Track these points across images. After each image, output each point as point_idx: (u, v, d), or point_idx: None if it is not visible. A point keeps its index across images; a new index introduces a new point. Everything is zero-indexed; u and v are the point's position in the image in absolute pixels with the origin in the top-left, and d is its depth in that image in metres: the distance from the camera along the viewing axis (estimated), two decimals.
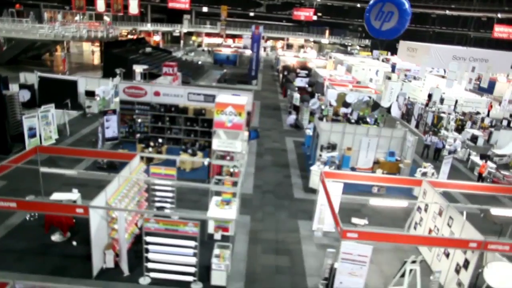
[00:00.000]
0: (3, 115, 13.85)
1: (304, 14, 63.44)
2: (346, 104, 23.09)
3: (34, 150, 10.49)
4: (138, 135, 16.05)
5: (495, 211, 10.05)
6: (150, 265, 8.42)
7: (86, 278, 8.32)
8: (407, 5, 13.88)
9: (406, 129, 16.58)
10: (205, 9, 54.65)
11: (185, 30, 59.37)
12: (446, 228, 9.41)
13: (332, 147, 15.98)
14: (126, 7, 43.75)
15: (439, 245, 8.50)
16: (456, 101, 29.48)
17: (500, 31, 57.75)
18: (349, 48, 67.06)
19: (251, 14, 66.33)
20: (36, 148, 10.63)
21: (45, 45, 32.62)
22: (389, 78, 33.86)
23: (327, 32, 71.29)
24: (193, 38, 61.39)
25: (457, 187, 11.12)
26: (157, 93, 16.27)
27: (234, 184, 10.59)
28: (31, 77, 20.10)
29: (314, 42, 70.43)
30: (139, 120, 16.53)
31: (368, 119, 21.54)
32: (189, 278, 8.49)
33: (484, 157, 17.00)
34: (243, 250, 10.05)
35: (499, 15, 57.60)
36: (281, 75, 34.20)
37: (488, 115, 28.31)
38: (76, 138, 16.72)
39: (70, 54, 39.88)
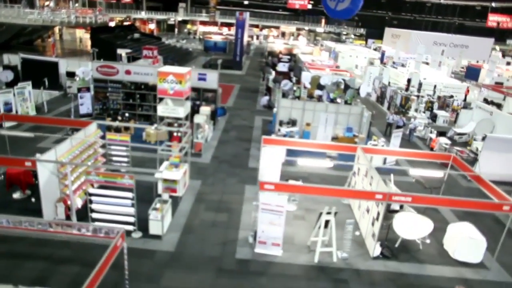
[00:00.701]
0: None
1: (298, 2, 63.59)
2: (320, 87, 23.90)
3: (0, 117, 11.51)
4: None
5: (413, 171, 10.94)
6: (94, 215, 9.43)
7: None
8: None
9: (363, 106, 17.37)
10: None
11: (179, 18, 60.00)
12: (369, 187, 10.32)
13: (292, 122, 16.90)
14: None
15: (349, 197, 9.43)
16: (435, 86, 30.09)
17: (494, 20, 57.81)
18: (343, 37, 67.33)
19: (246, 2, 66.68)
20: (2, 115, 11.64)
21: (37, 30, 33.59)
22: (372, 63, 34.51)
23: (323, 21, 71.45)
24: (188, 26, 62.00)
25: (386, 153, 11.98)
26: (128, 72, 17.17)
27: (183, 150, 11.54)
28: (15, 59, 21.07)
29: (309, 31, 70.68)
30: (112, 98, 17.50)
31: (338, 100, 22.34)
32: (130, 228, 9.50)
33: (440, 134, 17.79)
34: (187, 208, 11.04)
35: (493, 4, 57.60)
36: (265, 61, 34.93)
37: (465, 99, 28.95)
38: (53, 114, 17.72)
39: (63, 40, 40.86)
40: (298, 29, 70.58)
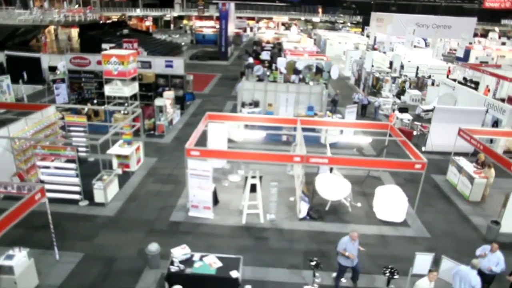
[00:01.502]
0: None
1: None
2: (297, 72, 24.46)
3: None
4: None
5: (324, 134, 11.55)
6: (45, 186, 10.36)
7: None
8: None
9: (323, 85, 17.95)
10: None
11: (175, 14, 60.92)
12: None
13: (255, 103, 17.61)
14: None
15: (268, 160, 10.12)
16: (417, 68, 30.28)
17: (491, 0, 56.99)
18: (340, 26, 67.25)
19: None
20: None
21: (30, 31, 34.92)
22: (357, 48, 34.81)
23: (319, 10, 71.42)
24: (184, 21, 62.86)
25: (326, 124, 12.59)
26: (99, 62, 18.01)
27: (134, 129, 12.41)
28: (0, 56, 22.25)
29: (306, 21, 70.79)
30: (86, 87, 18.49)
31: (311, 83, 22.91)
32: (77, 197, 10.42)
33: (402, 110, 18.24)
34: (137, 180, 11.93)
35: None
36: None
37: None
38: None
39: (58, 40, 42.24)
40: (294, 20, 70.74)
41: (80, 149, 12.88)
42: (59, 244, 8.42)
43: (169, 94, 16.42)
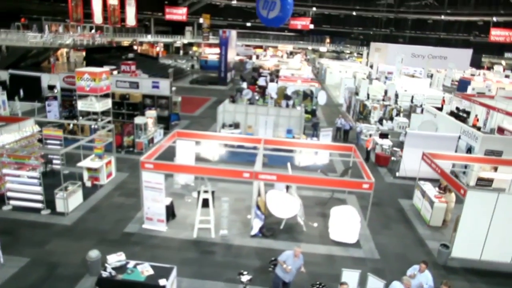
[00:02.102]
0: None
1: (300, 23, 65.71)
2: (287, 97, 25.04)
3: None
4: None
5: (298, 156, 11.79)
6: (9, 193, 10.84)
7: None
8: None
9: (302, 109, 18.33)
10: (201, 20, 58.20)
11: (185, 41, 63.19)
12: None
13: (235, 125, 18.05)
14: (124, 20, 48.04)
15: (220, 175, 10.37)
16: (412, 97, 30.52)
17: (497, 35, 57.36)
18: (347, 56, 68.42)
19: (248, 24, 69.47)
20: None
21: (42, 53, 36.76)
22: (354, 77, 35.38)
23: (327, 40, 73.02)
24: (194, 48, 65.05)
25: (288, 145, 12.84)
26: None
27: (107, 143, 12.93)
28: (4, 74, 23.56)
29: (313, 50, 72.32)
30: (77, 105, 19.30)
31: (298, 108, 23.36)
32: (39, 205, 10.83)
33: (383, 136, 18.35)
34: (103, 193, 12.30)
35: (494, 19, 57.28)
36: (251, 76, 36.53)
37: (441, 109, 29.20)
38: None
39: (69, 62, 44.26)
40: (302, 49, 72.38)
41: (55, 161, 13.53)
42: (9, 250, 8.77)
43: (151, 113, 17.03)
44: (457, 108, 27.61)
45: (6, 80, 23.37)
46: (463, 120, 26.02)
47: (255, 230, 10.32)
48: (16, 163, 10.53)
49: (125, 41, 55.07)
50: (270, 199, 10.37)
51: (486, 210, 9.49)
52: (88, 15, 42.87)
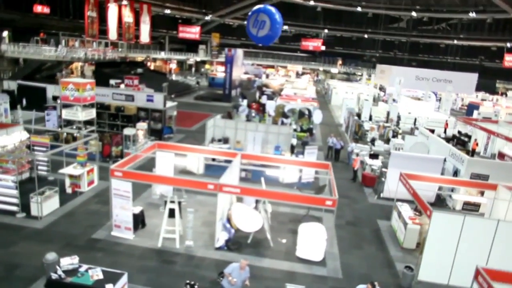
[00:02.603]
0: None
1: (312, 44, 66.53)
2: (285, 115, 25.23)
3: None
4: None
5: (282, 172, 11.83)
6: None
7: None
8: (277, 15, 16.20)
9: (291, 127, 18.42)
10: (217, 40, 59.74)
11: (198, 59, 64.66)
12: None
13: (224, 140, 18.25)
14: (138, 37, 49.71)
15: (185, 186, 10.50)
16: (415, 119, 30.27)
17: (511, 60, 56.65)
18: (358, 78, 68.54)
19: (260, 44, 70.56)
20: None
21: (56, 66, 38.28)
22: (358, 98, 35.41)
23: (339, 62, 73.40)
24: (207, 66, 66.45)
25: (264, 160, 12.90)
26: None
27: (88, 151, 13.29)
28: (13, 85, 24.61)
29: (324, 71, 72.76)
30: None
31: (294, 126, 23.51)
32: (14, 208, 11.14)
33: (372, 156, 18.20)
34: (81, 200, 12.56)
35: (508, 45, 56.67)
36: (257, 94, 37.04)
37: (445, 132, 28.83)
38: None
39: (84, 75, 45.82)
40: (313, 70, 73.00)
41: (40, 167, 13.94)
42: None
43: (142, 125, 17.45)
44: (459, 132, 27.16)
45: (14, 90, 24.39)
46: (463, 144, 25.60)
47: (220, 243, 10.32)
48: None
49: (139, 57, 56.81)
50: (235, 212, 10.40)
51: (452, 232, 9.28)
52: (103, 31, 44.58)
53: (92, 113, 13.42)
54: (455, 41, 61.41)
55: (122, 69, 37.34)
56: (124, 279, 7.88)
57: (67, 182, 13.06)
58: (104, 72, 33.23)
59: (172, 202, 10.29)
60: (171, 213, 10.36)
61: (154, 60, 59.89)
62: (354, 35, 67.39)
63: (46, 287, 7.59)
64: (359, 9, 56.44)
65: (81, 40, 45.69)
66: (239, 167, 12.77)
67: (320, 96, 48.88)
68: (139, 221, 10.94)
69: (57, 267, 7.80)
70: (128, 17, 46.74)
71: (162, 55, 59.45)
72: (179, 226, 10.47)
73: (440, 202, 14.89)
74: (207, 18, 59.92)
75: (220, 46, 59.91)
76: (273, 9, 16.20)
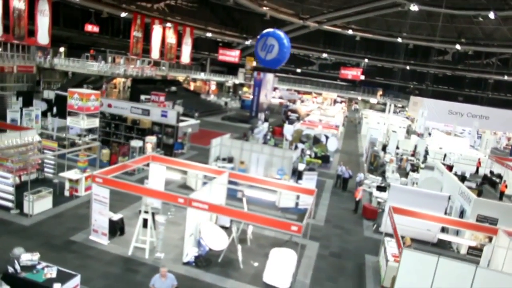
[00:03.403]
0: None
1: (351, 73, 66.02)
2: (302, 141, 25.04)
3: None
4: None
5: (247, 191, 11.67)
6: None
7: None
8: (285, 40, 16.51)
9: (294, 151, 18.19)
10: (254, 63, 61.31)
11: (237, 81, 66.40)
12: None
13: (229, 159, 18.41)
14: (179, 57, 52.28)
15: (158, 197, 10.64)
16: (445, 155, 28.73)
17: None
18: (398, 109, 66.67)
19: (298, 70, 71.41)
20: None
21: (98, 80, 41.17)
22: (392, 131, 34.47)
23: (379, 92, 71.93)
24: (244, 89, 67.93)
25: (252, 180, 12.79)
26: (109, 105, 20.85)
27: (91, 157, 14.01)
28: (52, 94, 26.74)
29: (363, 100, 71.50)
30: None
31: (308, 152, 23.23)
32: (10, 204, 11.92)
33: (380, 189, 17.42)
34: (75, 203, 13.17)
35: None
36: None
37: (477, 171, 27.03)
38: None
39: (125, 89, 48.76)
40: (350, 99, 72.11)
41: (47, 170, 14.89)
42: None
43: (151, 138, 18.12)
44: (491, 172, 25.30)
45: (52, 99, 26.47)
46: (494, 185, 23.75)
47: (188, 258, 10.30)
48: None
49: (180, 77, 59.48)
50: (203, 230, 10.38)
51: (425, 274, 8.58)
52: (147, 50, 47.40)
53: (94, 122, 14.24)
54: (506, 77, 58.00)
55: (157, 86, 39.30)
56: (75, 280, 8.08)
57: (67, 185, 13.79)
58: (139, 88, 35.13)
59: (146, 212, 10.50)
60: (145, 224, 10.56)
61: (194, 80, 62.35)
62: (396, 66, 65.94)
63: (2, 279, 7.98)
64: (399, 40, 55.37)
65: (126, 57, 48.90)
66: (226, 185, 12.77)
67: (353, 126, 47.98)
68: (117, 228, 11.24)
69: (15, 261, 8.19)
70: (171, 38, 49.48)
71: (202, 76, 61.79)
72: (152, 237, 10.61)
73: (443, 244, 13.83)
74: (247, 42, 61.71)
75: (255, 70, 61.25)
76: (281, 34, 16.61)
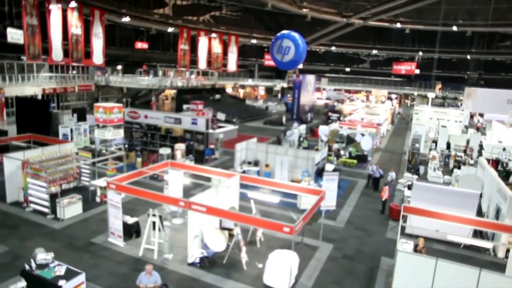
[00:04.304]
0: (49, 124, 22.08)
1: (405, 68, 62.58)
2: (350, 141, 24.29)
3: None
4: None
5: (250, 194, 11.68)
6: (30, 198, 13.67)
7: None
8: (300, 41, 16.31)
9: (322, 151, 17.82)
10: (299, 66, 60.98)
11: (285, 85, 66.46)
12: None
13: (255, 163, 18.61)
14: (226, 65, 53.88)
15: (160, 200, 11.12)
16: (504, 149, 26.05)
17: None
18: (459, 103, 61.60)
19: (347, 69, 69.32)
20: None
21: (149, 93, 44.00)
22: (442, 126, 32.12)
23: (438, 86, 67.18)
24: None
25: (256, 182, 12.81)
26: (146, 116, 22.21)
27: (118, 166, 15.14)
28: None
29: (419, 95, 67.24)
30: (135, 135, 22.72)
31: (342, 152, 22.59)
32: (46, 210, 13.33)
33: (411, 187, 16.37)
34: (103, 209, 14.19)
35: None
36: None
37: None
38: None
39: (174, 101, 51.44)
40: (406, 95, 68.19)
41: (84, 178, 16.34)
42: (1, 239, 11.17)
43: (180, 145, 18.99)
44: None
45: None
46: None
47: (192, 258, 10.67)
48: (33, 174, 13.34)
49: (228, 84, 61.17)
50: (204, 232, 10.68)
51: (423, 278, 7.99)
52: (195, 61, 49.54)
53: (119, 133, 15.35)
54: None
55: (202, 95, 40.90)
56: (80, 278, 8.82)
57: (98, 192, 15.03)
58: (183, 98, 36.90)
59: (154, 215, 11.09)
60: (155, 226, 11.16)
61: (243, 86, 63.67)
62: (454, 57, 61.18)
63: (21, 275, 9.01)
64: (454, 28, 51.30)
65: (176, 70, 51.58)
66: (239, 188, 13.01)
67: (405, 123, 45.41)
68: (132, 231, 12.00)
69: (32, 260, 9.19)
70: (216, 48, 51.14)
71: (249, 82, 62.89)
72: (161, 239, 11.17)
73: (476, 246, 12.62)
74: None
75: (301, 72, 60.73)
76: (296, 35, 16.46)
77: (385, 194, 15.43)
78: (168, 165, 14.07)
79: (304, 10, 49.29)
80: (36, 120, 22.13)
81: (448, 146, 28.79)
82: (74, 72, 39.81)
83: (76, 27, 33.10)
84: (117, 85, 40.68)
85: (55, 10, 29.80)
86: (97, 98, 41.14)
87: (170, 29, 46.78)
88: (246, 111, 40.65)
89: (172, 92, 52.45)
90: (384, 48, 64.94)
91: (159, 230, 11.13)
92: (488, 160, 18.93)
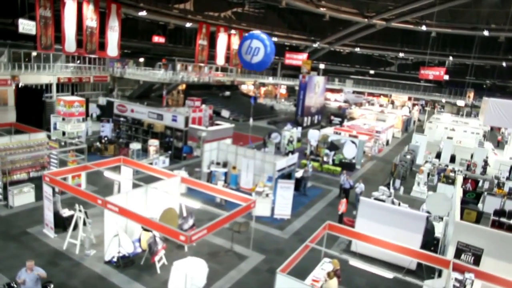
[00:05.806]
0: (42, 113, 23.02)
1: (433, 73, 59.40)
2: (334, 147, 23.49)
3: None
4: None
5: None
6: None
7: None
8: (268, 42, 15.89)
9: (286, 157, 17.24)
10: (321, 66, 59.77)
11: None
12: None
13: (223, 164, 18.40)
14: None
15: (78, 194, 11.16)
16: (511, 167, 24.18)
17: None
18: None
19: (371, 72, 66.93)
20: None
21: (162, 87, 44.83)
22: (450, 138, 30.23)
23: (469, 94, 63.25)
24: None
25: (195, 185, 12.57)
26: (132, 110, 22.66)
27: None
28: (103, 100, 30.08)
29: (447, 103, 63.67)
30: (122, 128, 23.22)
31: (325, 159, 21.87)
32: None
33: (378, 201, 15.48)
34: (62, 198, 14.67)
35: None
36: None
37: None
38: (92, 136, 24.58)
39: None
40: (432, 101, 64.77)
41: (52, 167, 16.83)
42: None
43: (153, 141, 19.16)
44: None
45: (104, 105, 29.79)
46: None
47: (109, 257, 10.70)
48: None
49: (248, 82, 61.05)
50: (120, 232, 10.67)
51: None
52: (213, 56, 49.79)
53: (80, 127, 15.68)
54: None
55: (212, 91, 41.07)
56: None
57: None
58: (190, 94, 37.23)
59: (80, 211, 11.24)
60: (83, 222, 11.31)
61: (263, 84, 63.31)
62: (488, 63, 57.34)
63: None
64: (486, 33, 47.93)
65: (194, 65, 52.11)
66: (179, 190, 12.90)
67: (422, 131, 43.21)
68: (66, 224, 12.22)
69: None
70: (236, 44, 51.13)
71: (270, 80, 62.43)
72: (84, 234, 11.29)
73: (421, 270, 11.72)
74: (315, 45, 60.36)
75: (325, 73, 59.55)
76: (265, 36, 16.05)
77: (341, 207, 14.72)
78: (120, 161, 14.19)
79: (322, 9, 48.01)
80: (31, 109, 23.19)
81: (452, 159, 27.20)
82: (90, 63, 41.30)
83: (91, 20, 34.08)
84: (131, 77, 41.75)
85: (70, 3, 30.82)
86: (111, 89, 42.42)
87: (188, 24, 47.25)
88: (255, 109, 40.28)
89: (185, 86, 53.25)
90: (412, 51, 62.08)
91: (84, 225, 11.26)
92: (467, 179, 17.54)
